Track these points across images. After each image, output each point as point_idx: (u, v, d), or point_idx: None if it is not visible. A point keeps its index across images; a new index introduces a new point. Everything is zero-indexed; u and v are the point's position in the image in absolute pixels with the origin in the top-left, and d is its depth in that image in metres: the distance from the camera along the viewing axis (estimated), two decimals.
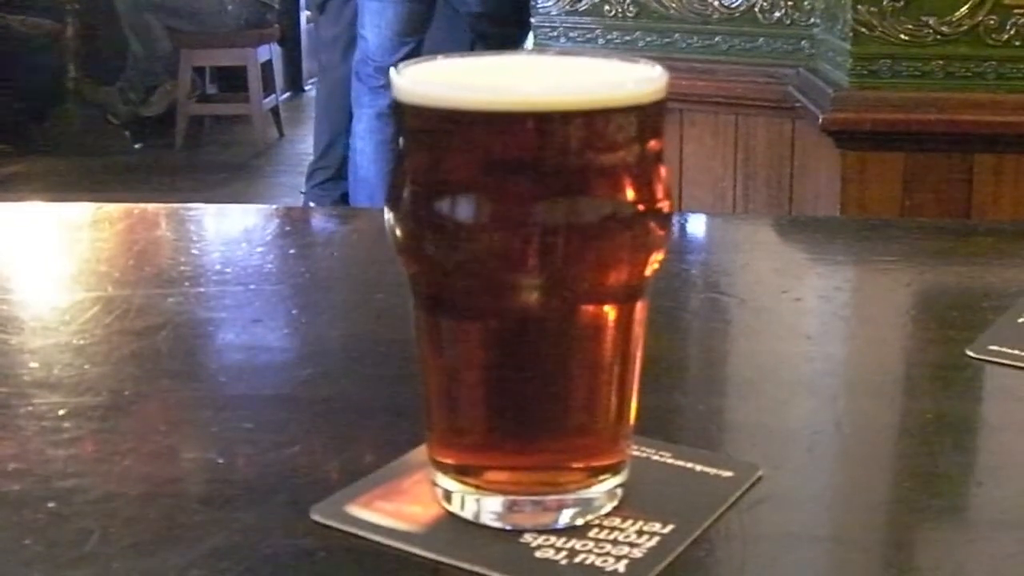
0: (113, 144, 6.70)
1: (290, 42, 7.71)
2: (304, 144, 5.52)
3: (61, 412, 0.76)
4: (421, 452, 0.67)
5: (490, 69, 0.66)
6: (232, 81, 7.11)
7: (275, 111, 7.08)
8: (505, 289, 0.60)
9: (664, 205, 0.61)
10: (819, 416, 0.78)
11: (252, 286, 1.02)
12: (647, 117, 0.60)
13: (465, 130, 0.59)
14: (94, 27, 6.90)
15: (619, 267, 0.61)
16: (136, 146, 6.76)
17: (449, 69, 0.64)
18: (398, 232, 0.62)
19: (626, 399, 0.64)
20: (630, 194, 0.60)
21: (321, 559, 0.61)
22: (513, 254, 0.58)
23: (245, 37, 6.76)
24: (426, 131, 0.60)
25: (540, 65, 0.65)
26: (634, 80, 0.60)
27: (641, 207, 0.60)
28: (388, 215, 0.62)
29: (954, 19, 2.13)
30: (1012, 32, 2.12)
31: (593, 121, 0.58)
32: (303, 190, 4.71)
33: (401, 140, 0.62)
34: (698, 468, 0.68)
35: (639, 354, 0.64)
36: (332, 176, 4.44)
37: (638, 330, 0.63)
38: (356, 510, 0.64)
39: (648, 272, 0.62)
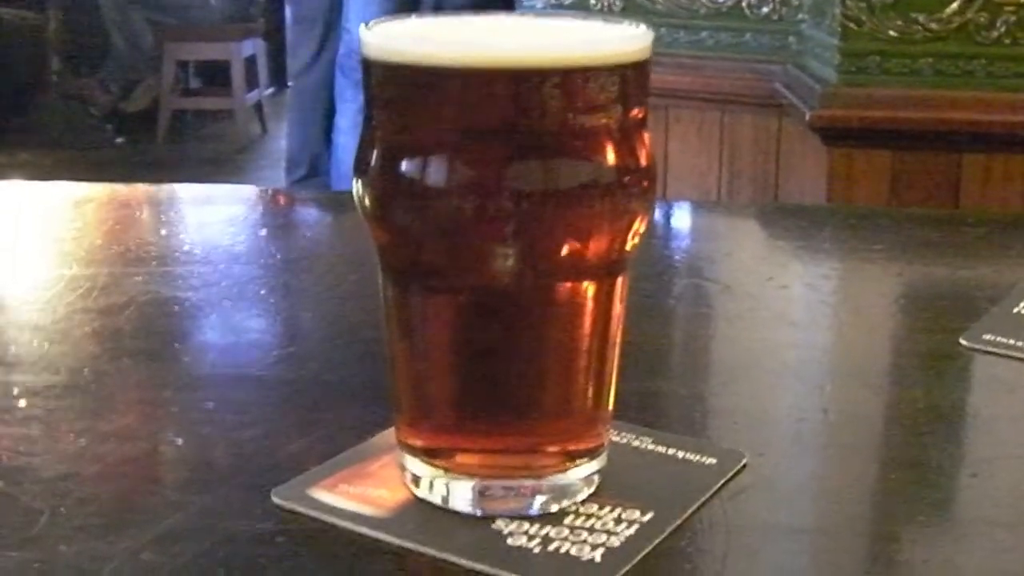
0: (95, 137, 6.65)
1: (274, 37, 7.65)
2: None
3: (16, 391, 0.74)
4: (389, 435, 0.64)
5: (466, 27, 0.63)
6: (215, 76, 7.06)
7: (258, 106, 7.04)
8: (477, 259, 0.56)
9: (647, 173, 0.58)
10: (805, 404, 0.75)
11: (221, 266, 0.99)
12: (629, 78, 0.56)
13: (436, 89, 0.55)
14: (77, 19, 6.85)
15: (598, 237, 0.57)
16: (118, 140, 6.71)
17: (422, 27, 0.61)
18: (366, 200, 0.58)
19: (605, 381, 0.61)
20: (611, 159, 0.56)
21: (280, 543, 0.57)
22: (485, 220, 0.55)
23: (229, 31, 6.73)
24: (396, 90, 0.57)
25: (519, 24, 0.62)
26: (616, 38, 0.57)
27: (622, 173, 0.57)
28: (356, 183, 0.59)
29: (944, 16, 2.11)
30: (1003, 30, 2.10)
31: (572, 80, 0.54)
32: (285, 186, 4.70)
33: (370, 102, 0.59)
34: (680, 455, 0.66)
35: (619, 334, 0.61)
36: (308, 172, 4.44)
37: (618, 308, 0.60)
38: (319, 493, 0.61)
39: (629, 245, 0.59)
